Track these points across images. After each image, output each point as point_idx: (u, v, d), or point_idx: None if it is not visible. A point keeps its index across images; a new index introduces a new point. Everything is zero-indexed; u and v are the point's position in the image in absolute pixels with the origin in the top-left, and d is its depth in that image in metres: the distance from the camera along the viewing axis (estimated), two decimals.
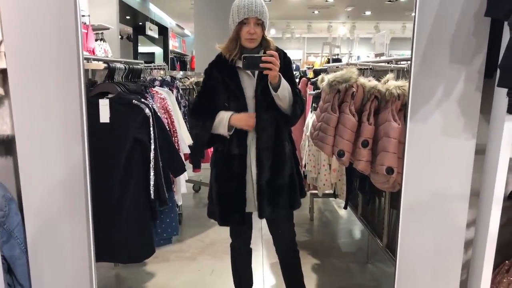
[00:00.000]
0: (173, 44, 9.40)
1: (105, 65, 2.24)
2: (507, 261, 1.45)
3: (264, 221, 2.06)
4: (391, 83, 1.97)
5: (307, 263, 2.95)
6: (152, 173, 2.07)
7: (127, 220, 2.08)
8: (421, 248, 1.36)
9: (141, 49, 8.55)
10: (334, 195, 3.44)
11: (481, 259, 1.26)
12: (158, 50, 9.12)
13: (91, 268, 1.45)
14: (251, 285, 2.33)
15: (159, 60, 8.59)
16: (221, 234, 3.31)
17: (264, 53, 1.86)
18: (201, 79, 3.80)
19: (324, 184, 3.11)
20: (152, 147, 2.07)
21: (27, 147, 1.34)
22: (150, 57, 8.91)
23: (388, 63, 2.39)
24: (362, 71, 2.58)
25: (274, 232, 2.12)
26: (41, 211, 1.39)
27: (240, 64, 1.87)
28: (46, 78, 1.33)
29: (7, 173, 1.43)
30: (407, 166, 1.30)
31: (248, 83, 1.94)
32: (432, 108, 1.31)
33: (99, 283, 1.55)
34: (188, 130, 3.05)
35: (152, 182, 2.08)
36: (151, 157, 2.06)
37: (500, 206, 1.24)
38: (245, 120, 1.89)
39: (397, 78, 2.11)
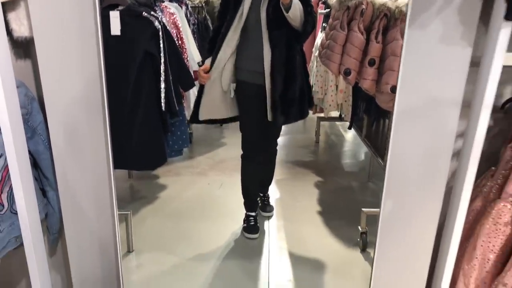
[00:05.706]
0: None
1: None
2: (493, 167, 1.54)
3: None
4: (401, 0, 1.96)
5: (311, 180, 3.10)
6: (162, 86, 2.16)
7: (140, 130, 2.20)
8: (412, 152, 1.45)
9: None
10: (340, 118, 3.53)
11: (467, 159, 1.35)
12: None
13: (109, 171, 1.55)
14: (257, 195, 2.50)
15: None
16: (230, 153, 3.46)
17: None
18: None
19: (330, 105, 3.18)
20: (162, 60, 2.13)
21: (45, 49, 1.40)
22: None
23: None
24: None
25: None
26: (62, 111, 1.47)
27: None
28: None
29: (27, 74, 1.51)
30: (403, 71, 1.35)
31: (260, 2, 1.97)
32: (432, 16, 1.33)
33: None
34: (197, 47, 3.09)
35: (162, 95, 2.17)
36: (161, 70, 2.13)
37: (490, 110, 1.30)
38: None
39: None
